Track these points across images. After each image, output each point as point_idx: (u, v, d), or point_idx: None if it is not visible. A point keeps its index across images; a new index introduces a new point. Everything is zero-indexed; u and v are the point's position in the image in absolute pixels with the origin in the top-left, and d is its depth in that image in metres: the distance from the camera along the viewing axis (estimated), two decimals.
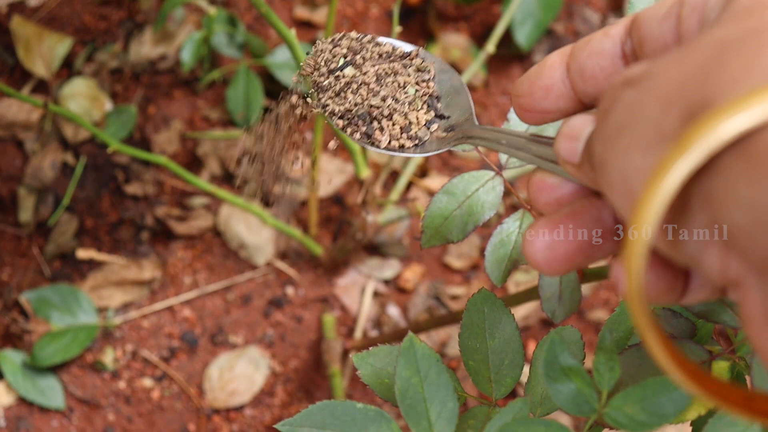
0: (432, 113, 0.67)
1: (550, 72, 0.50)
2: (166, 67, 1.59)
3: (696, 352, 0.61)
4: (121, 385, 1.41)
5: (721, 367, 0.61)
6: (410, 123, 0.67)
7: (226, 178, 1.53)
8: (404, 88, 0.67)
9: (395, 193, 1.48)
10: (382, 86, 0.67)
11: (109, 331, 1.43)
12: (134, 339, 1.44)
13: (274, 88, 1.58)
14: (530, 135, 0.54)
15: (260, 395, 1.42)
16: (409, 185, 1.54)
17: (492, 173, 0.86)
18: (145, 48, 1.58)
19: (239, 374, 1.42)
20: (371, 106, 0.66)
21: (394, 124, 0.67)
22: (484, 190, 0.85)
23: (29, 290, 1.43)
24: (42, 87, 1.55)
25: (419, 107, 0.67)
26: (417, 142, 0.67)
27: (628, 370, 0.62)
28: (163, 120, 1.56)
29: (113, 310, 1.45)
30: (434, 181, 1.54)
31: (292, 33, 1.11)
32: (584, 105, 0.50)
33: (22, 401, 1.39)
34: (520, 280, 1.52)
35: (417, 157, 0.66)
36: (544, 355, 0.56)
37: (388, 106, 0.66)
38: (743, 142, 0.36)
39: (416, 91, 0.68)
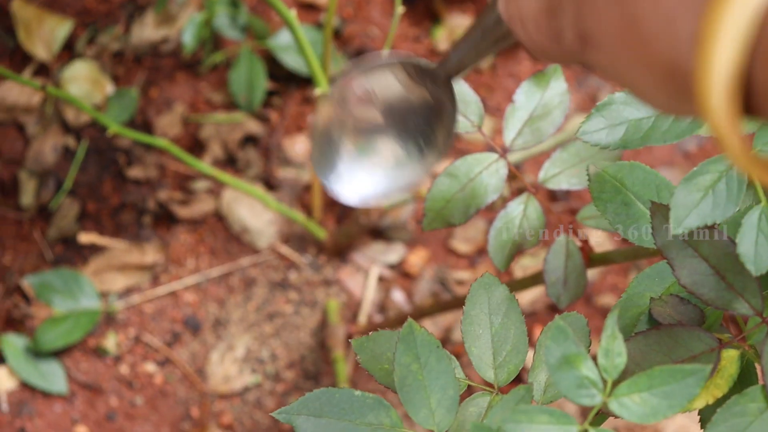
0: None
1: None
2: (168, 50, 1.57)
3: (704, 340, 0.59)
4: (124, 369, 1.40)
5: (730, 356, 0.59)
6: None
7: (229, 162, 1.52)
8: None
9: None
10: None
11: (111, 316, 1.42)
12: (137, 324, 1.43)
13: (277, 71, 1.56)
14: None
15: (264, 380, 1.41)
16: None
17: (495, 156, 0.84)
18: (147, 30, 1.56)
19: (242, 359, 1.41)
20: None
21: None
22: (487, 172, 0.84)
23: (31, 275, 1.42)
24: (43, 70, 1.54)
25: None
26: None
27: (635, 358, 0.61)
28: (165, 103, 1.54)
29: (115, 295, 1.43)
30: (438, 165, 1.52)
31: (292, 14, 1.10)
32: None
33: (25, 386, 1.38)
34: (527, 265, 1.50)
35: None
36: (547, 341, 0.55)
37: None
38: None
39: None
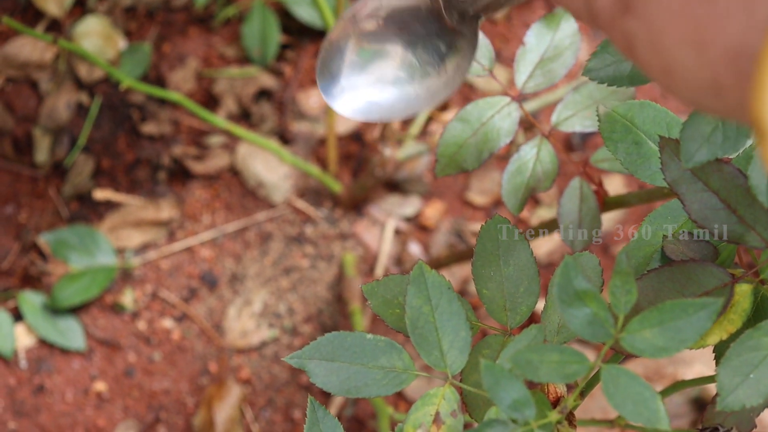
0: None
1: None
2: (180, 5, 1.56)
3: (717, 275, 0.58)
4: (141, 326, 1.41)
5: (743, 290, 0.59)
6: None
7: (243, 116, 1.51)
8: None
9: (415, 127, 1.45)
10: None
11: (128, 272, 1.42)
12: (153, 280, 1.43)
13: (290, 24, 1.55)
14: None
15: (281, 334, 1.41)
16: (429, 119, 1.52)
17: (508, 99, 0.83)
18: None
19: (259, 313, 1.41)
20: None
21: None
22: (499, 116, 0.83)
23: (47, 232, 1.42)
24: (55, 26, 1.53)
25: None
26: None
27: (647, 295, 0.60)
28: (179, 58, 1.53)
29: (132, 251, 1.44)
30: (453, 115, 1.51)
31: None
32: None
33: (43, 343, 1.38)
34: (544, 216, 1.49)
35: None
36: (557, 278, 0.54)
37: None
38: None
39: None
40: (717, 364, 0.60)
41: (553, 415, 0.58)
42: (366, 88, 0.61)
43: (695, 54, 0.36)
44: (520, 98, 0.84)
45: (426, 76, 0.62)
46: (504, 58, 1.55)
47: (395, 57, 0.61)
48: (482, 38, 0.83)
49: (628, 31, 0.39)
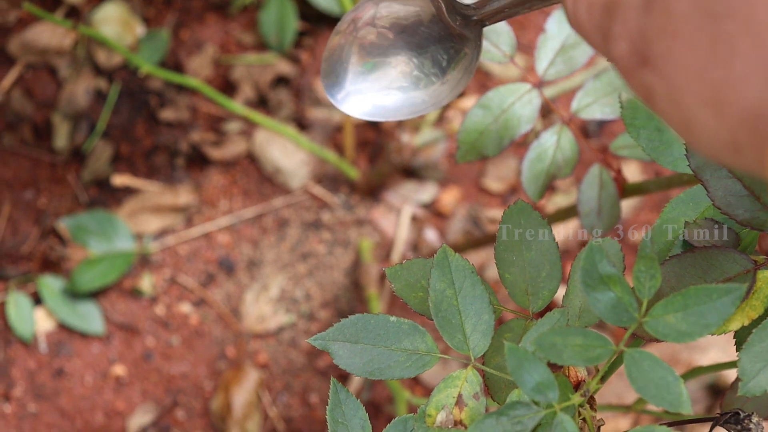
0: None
1: None
2: None
3: (740, 261, 0.59)
4: (160, 310, 1.42)
5: (765, 277, 0.59)
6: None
7: (261, 103, 1.52)
8: None
9: (432, 114, 1.46)
10: None
11: (146, 257, 1.43)
12: (171, 265, 1.44)
13: (307, 11, 1.55)
14: None
15: (298, 319, 1.42)
16: (446, 106, 1.52)
17: (528, 86, 0.84)
18: None
19: (277, 299, 1.42)
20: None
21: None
22: (520, 103, 0.83)
23: (66, 217, 1.43)
24: (74, 13, 1.54)
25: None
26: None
27: (669, 281, 0.61)
28: (196, 45, 1.54)
29: (150, 236, 1.44)
30: (471, 102, 1.51)
31: None
32: None
33: (62, 327, 1.39)
34: (560, 203, 1.50)
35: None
36: (582, 263, 0.55)
37: None
38: None
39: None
40: (738, 349, 0.60)
41: (576, 398, 0.59)
42: (371, 93, 0.62)
43: (713, 114, 0.36)
44: (541, 85, 0.84)
45: (431, 84, 0.62)
46: (522, 45, 1.55)
47: (399, 68, 0.62)
48: (504, 25, 0.83)
49: (647, 84, 0.39)
